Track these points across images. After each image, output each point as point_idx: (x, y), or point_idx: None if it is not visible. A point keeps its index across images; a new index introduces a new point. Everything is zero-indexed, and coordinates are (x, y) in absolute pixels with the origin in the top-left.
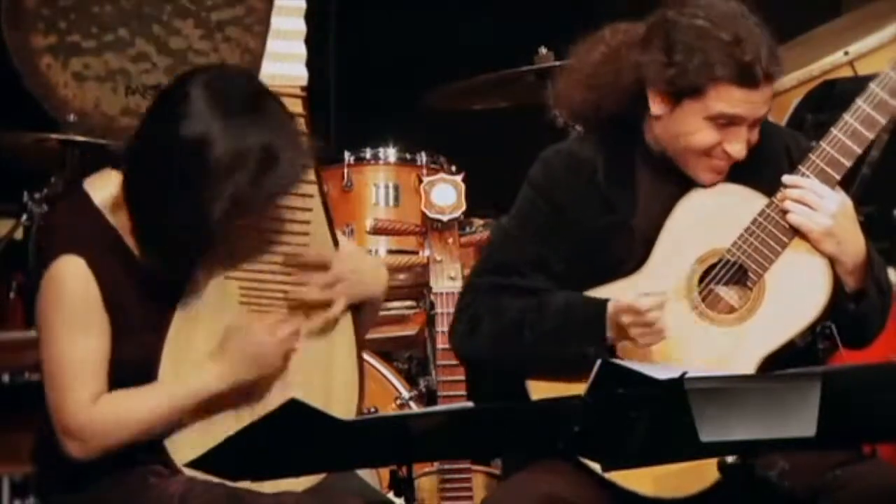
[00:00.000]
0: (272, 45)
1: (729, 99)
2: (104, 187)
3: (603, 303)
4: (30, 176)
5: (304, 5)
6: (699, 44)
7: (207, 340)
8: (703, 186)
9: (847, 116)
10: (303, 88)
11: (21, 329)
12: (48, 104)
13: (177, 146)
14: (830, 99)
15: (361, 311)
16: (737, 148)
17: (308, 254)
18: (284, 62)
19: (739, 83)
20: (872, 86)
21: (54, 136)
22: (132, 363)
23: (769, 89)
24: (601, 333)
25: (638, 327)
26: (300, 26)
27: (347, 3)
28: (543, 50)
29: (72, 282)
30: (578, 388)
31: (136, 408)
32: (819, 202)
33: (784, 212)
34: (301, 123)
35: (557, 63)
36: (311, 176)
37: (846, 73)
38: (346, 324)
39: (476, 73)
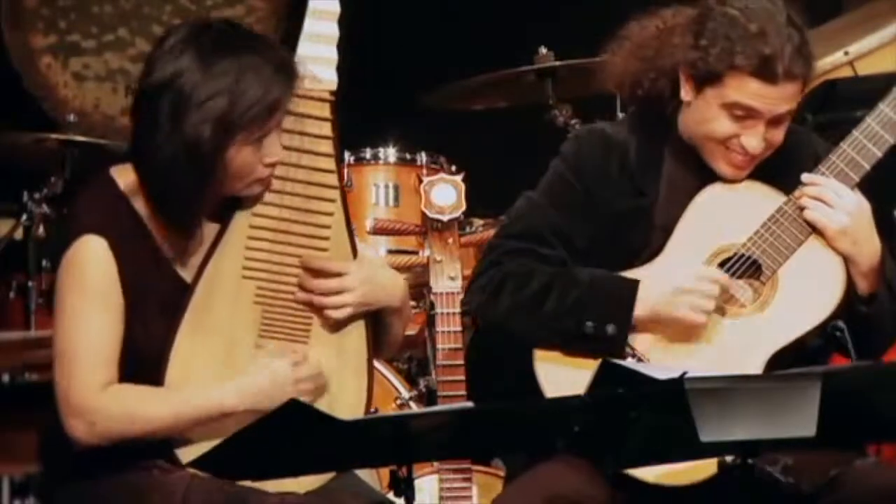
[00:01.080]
0: (304, 47)
1: (744, 90)
2: (129, 173)
3: (634, 283)
4: (30, 176)
5: (338, 10)
6: (725, 32)
7: (218, 340)
8: (725, 181)
9: (869, 119)
10: (332, 93)
11: (21, 329)
12: (48, 104)
13: (154, 87)
14: (831, 99)
15: (383, 318)
16: (752, 143)
17: (316, 260)
18: (316, 66)
19: (757, 75)
20: None
21: (54, 136)
22: (143, 350)
23: (791, 88)
24: (628, 312)
25: (697, 296)
26: (334, 31)
27: (346, 3)
28: (543, 50)
29: (92, 261)
30: (584, 362)
31: (147, 407)
32: (837, 200)
33: (801, 209)
34: (328, 128)
35: (557, 63)
36: (334, 181)
37: (846, 73)
38: (359, 332)
39: (476, 73)
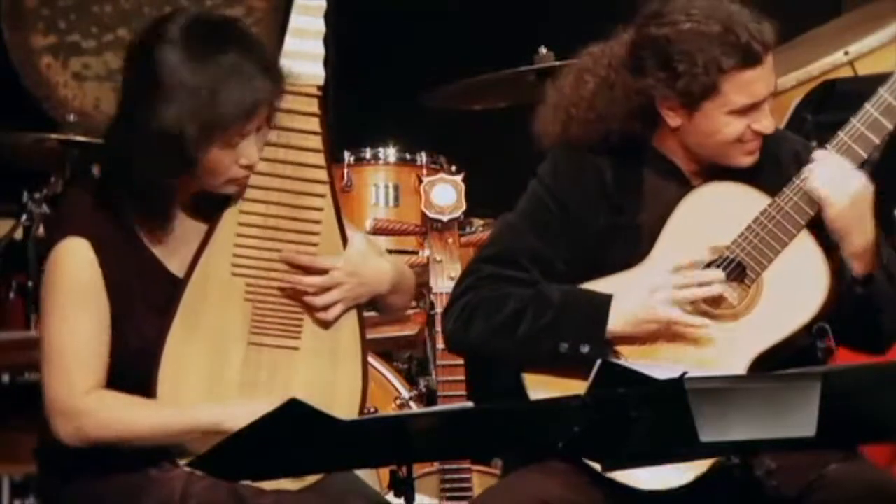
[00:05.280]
0: (290, 43)
1: (744, 85)
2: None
3: (607, 299)
4: (30, 176)
5: (324, 5)
6: (695, 46)
7: (210, 339)
8: (709, 184)
9: (882, 91)
10: (320, 88)
11: (21, 329)
12: (48, 104)
13: (139, 74)
14: (830, 99)
15: (380, 301)
16: (765, 124)
17: (302, 257)
18: (302, 61)
19: (746, 65)
20: None
21: (54, 136)
22: (135, 350)
23: (771, 56)
24: (601, 330)
25: (691, 288)
26: (320, 26)
27: (346, 3)
28: (543, 50)
29: (74, 264)
30: (574, 382)
31: (133, 416)
32: (842, 176)
33: (786, 212)
34: (315, 123)
35: (557, 63)
36: (324, 176)
37: (846, 73)
38: (351, 327)
39: (476, 73)
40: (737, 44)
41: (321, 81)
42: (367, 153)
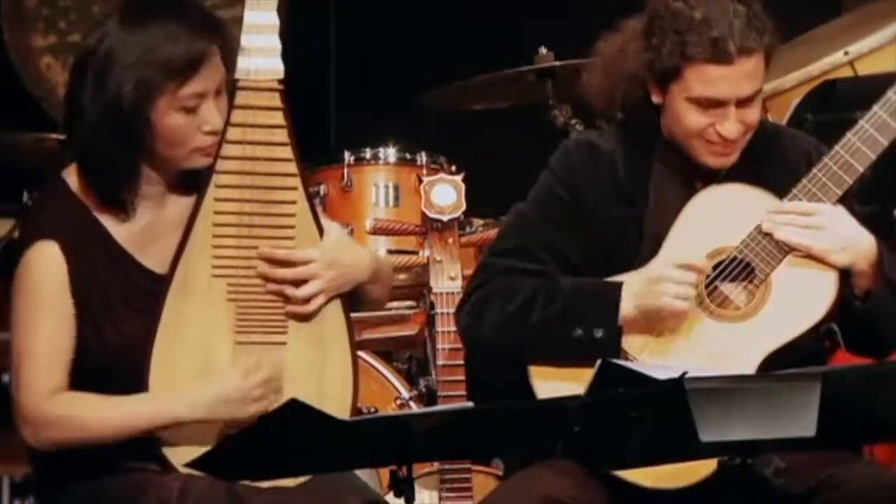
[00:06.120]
0: (246, 39)
1: (706, 78)
2: (78, 172)
3: (618, 285)
4: (30, 176)
5: None
6: (672, 26)
7: (197, 342)
8: (717, 184)
9: (851, 134)
10: (280, 81)
11: None
12: (48, 104)
13: (81, 56)
14: (830, 99)
15: (360, 289)
16: (727, 128)
17: (279, 251)
18: (260, 56)
19: (712, 60)
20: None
21: (54, 136)
22: (118, 349)
23: (750, 64)
24: (614, 313)
25: (673, 283)
26: (273, 20)
27: (347, 3)
28: (543, 50)
29: (40, 268)
30: (581, 373)
31: (92, 415)
32: (810, 222)
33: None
34: (280, 117)
35: (557, 63)
36: (293, 168)
37: (846, 73)
38: (336, 316)
39: (476, 73)
40: (708, 37)
41: (281, 75)
42: (367, 153)
